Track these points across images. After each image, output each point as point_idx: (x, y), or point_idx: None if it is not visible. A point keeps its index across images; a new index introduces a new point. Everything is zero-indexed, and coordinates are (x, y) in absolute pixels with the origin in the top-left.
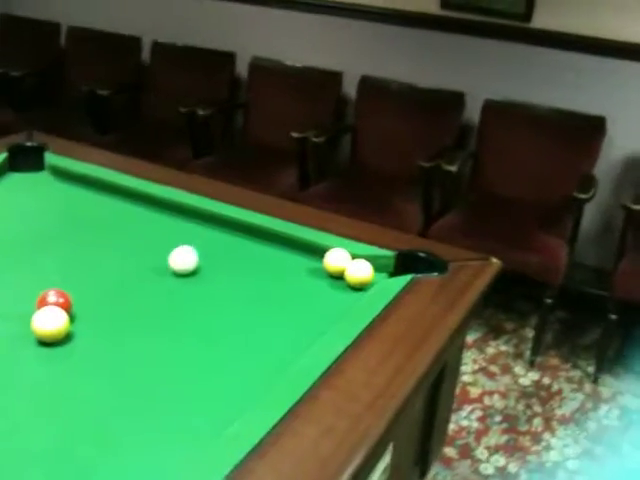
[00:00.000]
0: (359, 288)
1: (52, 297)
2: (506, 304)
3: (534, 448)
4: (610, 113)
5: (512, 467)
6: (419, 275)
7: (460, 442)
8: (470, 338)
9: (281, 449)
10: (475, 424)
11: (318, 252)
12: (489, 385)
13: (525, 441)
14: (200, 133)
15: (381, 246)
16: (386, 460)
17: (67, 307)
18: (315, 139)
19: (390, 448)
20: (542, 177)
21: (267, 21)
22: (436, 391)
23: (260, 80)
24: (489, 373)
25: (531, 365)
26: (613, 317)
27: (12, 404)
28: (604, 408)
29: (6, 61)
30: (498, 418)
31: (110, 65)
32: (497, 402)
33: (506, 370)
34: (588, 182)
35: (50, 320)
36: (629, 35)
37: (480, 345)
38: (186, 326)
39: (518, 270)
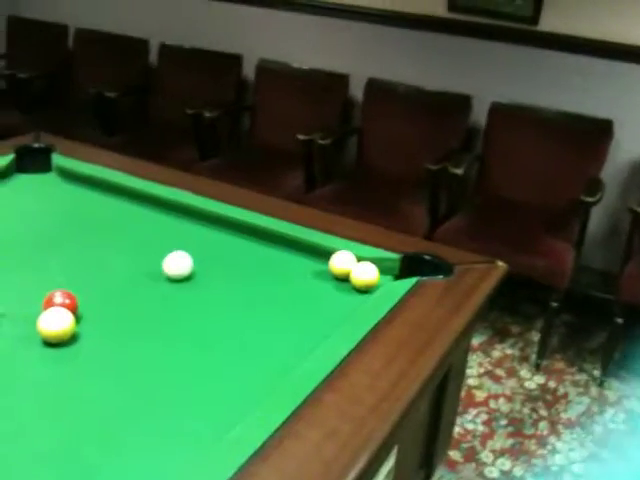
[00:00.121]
0: (364, 291)
1: (58, 298)
2: (512, 307)
3: (540, 452)
4: (617, 116)
5: (517, 471)
6: (424, 278)
7: (465, 445)
8: (476, 341)
9: (284, 452)
10: (480, 427)
11: (324, 254)
12: (495, 388)
13: (531, 445)
14: (206, 135)
15: (387, 249)
16: (390, 463)
17: (73, 308)
18: (321, 141)
19: (394, 451)
20: (549, 180)
21: (274, 23)
22: (441, 394)
23: (267, 82)
24: (495, 376)
25: (537, 368)
26: (619, 321)
27: (17, 404)
28: (610, 412)
29: (14, 63)
30: (503, 421)
31: (118, 67)
32: (503, 405)
33: (512, 373)
34: (595, 185)
35: (56, 321)
36: (637, 38)
37: (486, 348)
38: (191, 329)
39: (524, 273)
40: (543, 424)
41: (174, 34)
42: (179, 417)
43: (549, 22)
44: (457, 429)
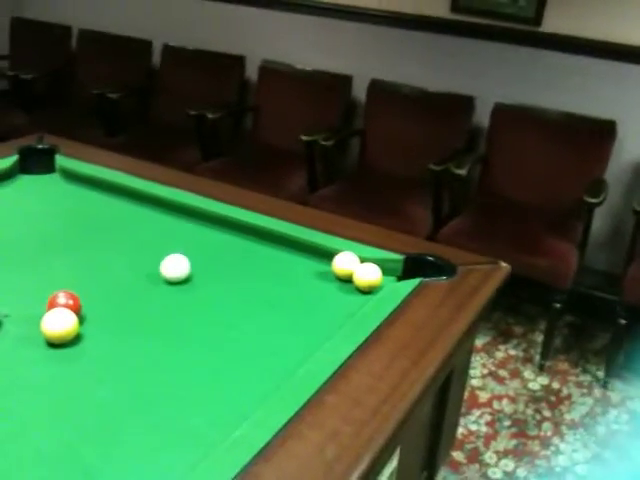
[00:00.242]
0: (367, 291)
1: (62, 299)
2: (515, 308)
3: (543, 453)
4: (621, 117)
5: (521, 472)
6: (427, 279)
7: (469, 446)
8: (479, 342)
9: (287, 453)
10: (484, 428)
11: (326, 255)
12: (498, 389)
13: (534, 446)
14: (209, 136)
15: (389, 250)
16: (393, 464)
17: (76, 309)
18: (324, 142)
19: (397, 452)
20: (552, 181)
21: (277, 24)
22: (444, 395)
23: (270, 83)
24: (498, 377)
25: (540, 369)
26: (623, 322)
27: (20, 405)
28: (613, 413)
29: (18, 64)
30: (507, 422)
31: (120, 68)
32: (506, 406)
33: (515, 374)
34: (598, 186)
35: (59, 322)
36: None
37: (489, 349)
38: (194, 330)
39: (527, 274)
40: (547, 425)
41: (177, 35)
42: (182, 418)
43: (552, 23)
44: (460, 430)
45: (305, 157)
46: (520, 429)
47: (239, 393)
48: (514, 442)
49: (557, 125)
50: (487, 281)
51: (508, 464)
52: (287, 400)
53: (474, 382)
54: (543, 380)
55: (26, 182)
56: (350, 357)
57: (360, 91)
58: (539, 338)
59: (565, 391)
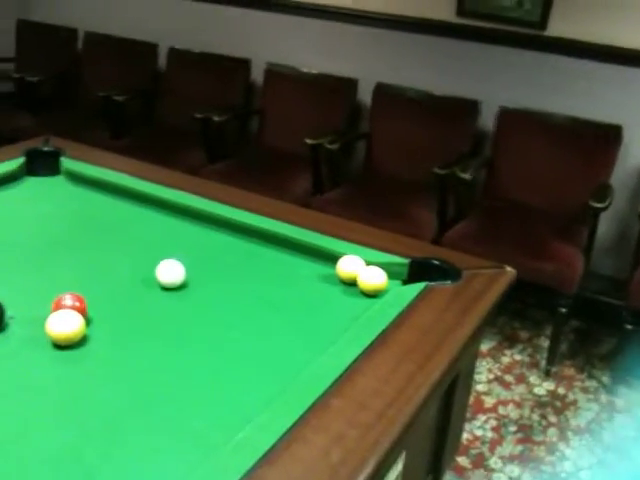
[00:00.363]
0: (372, 295)
1: (68, 300)
2: (521, 313)
3: (548, 458)
4: (626, 122)
5: (526, 477)
6: (433, 283)
7: (474, 451)
8: (484, 347)
9: (291, 456)
10: (489, 434)
11: (331, 258)
12: (504, 395)
13: (540, 451)
14: (215, 139)
15: (395, 253)
16: (398, 468)
17: (82, 310)
18: (329, 146)
19: (402, 456)
20: (557, 185)
21: (282, 28)
22: (450, 399)
23: (275, 86)
24: (504, 382)
25: (546, 375)
26: (629, 327)
27: (26, 406)
28: (619, 419)
29: (24, 66)
30: (512, 428)
31: (126, 71)
32: (512, 412)
33: (521, 380)
34: (604, 191)
35: (65, 323)
36: None
37: (495, 354)
38: (199, 332)
39: (533, 278)
40: (552, 430)
41: (183, 38)
42: (186, 420)
43: (557, 27)
44: (466, 435)
45: (310, 160)
46: (526, 434)
47: (243, 396)
48: (519, 447)
49: (562, 129)
50: (492, 285)
51: (513, 470)
52: (292, 403)
53: (480, 387)
54: (549, 385)
55: (32, 184)
56: (355, 360)
57: (365, 94)
58: (545, 343)
59: (571, 396)
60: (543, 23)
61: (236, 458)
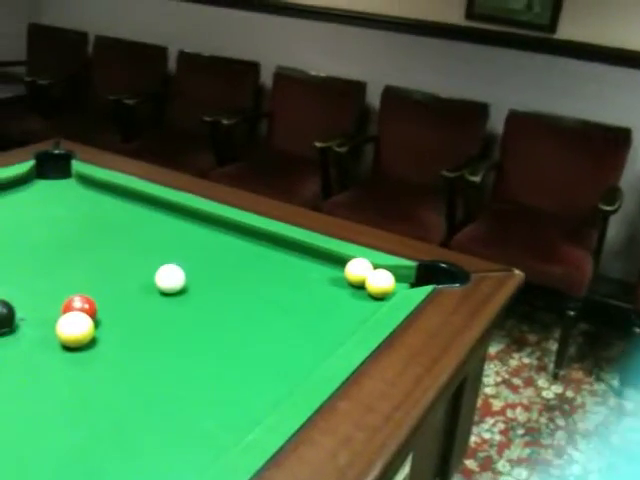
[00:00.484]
0: (380, 298)
1: (77, 303)
2: (529, 315)
3: (557, 462)
4: (636, 124)
5: None
6: (441, 286)
7: (482, 455)
8: (493, 350)
9: (299, 459)
10: (497, 437)
11: (340, 261)
12: (512, 398)
13: (548, 454)
14: (224, 142)
15: (402, 256)
16: (405, 471)
17: (92, 313)
18: (338, 149)
19: (409, 459)
20: (567, 188)
21: (291, 31)
22: (457, 402)
23: (284, 90)
24: (512, 386)
25: (554, 378)
26: (638, 330)
27: (35, 407)
28: (628, 422)
29: (35, 69)
30: (521, 431)
31: (136, 74)
32: (520, 415)
33: (529, 383)
34: (613, 194)
35: (75, 325)
36: None
37: (503, 357)
38: (208, 335)
39: (542, 281)
40: (560, 434)
41: (192, 42)
42: (195, 421)
43: (567, 30)
44: (474, 438)
45: (319, 163)
46: (534, 438)
47: (252, 398)
48: (527, 451)
49: (572, 132)
50: (501, 288)
51: (521, 473)
52: (300, 406)
53: (488, 390)
54: (557, 389)
55: (42, 187)
56: (363, 363)
57: (374, 97)
58: (553, 346)
59: (579, 400)
60: (553, 26)
61: (245, 460)
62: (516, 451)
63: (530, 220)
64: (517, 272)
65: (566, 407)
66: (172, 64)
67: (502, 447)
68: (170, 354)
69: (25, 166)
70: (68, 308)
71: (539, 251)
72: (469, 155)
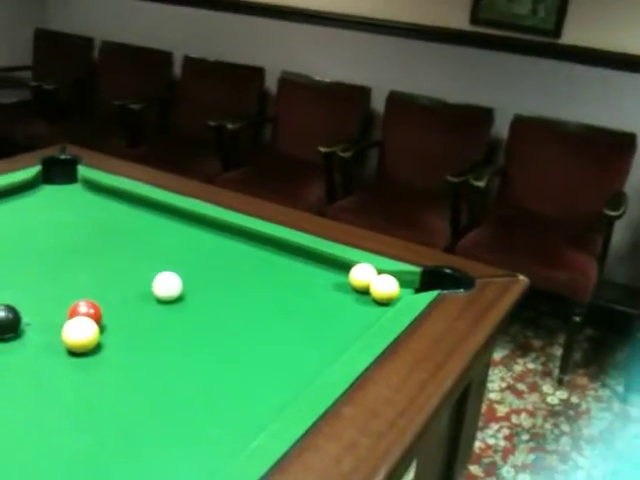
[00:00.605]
0: (384, 303)
1: (83, 308)
2: (534, 321)
3: (561, 467)
4: None
5: None
6: (445, 291)
7: (486, 460)
8: (497, 355)
9: (303, 465)
10: (502, 442)
11: (344, 267)
12: (516, 403)
13: (552, 460)
14: (229, 147)
15: (407, 262)
16: (410, 477)
17: (97, 318)
18: (342, 154)
19: (414, 465)
20: (571, 193)
21: (296, 36)
22: (462, 408)
23: (289, 95)
24: (516, 391)
25: (559, 383)
26: None
27: (41, 412)
28: (633, 428)
29: (41, 74)
30: (525, 437)
31: (142, 79)
32: (524, 420)
33: (534, 388)
34: (618, 199)
35: (80, 330)
36: None
37: (507, 363)
38: (213, 340)
39: (547, 287)
40: (565, 439)
41: (197, 47)
42: (202, 427)
43: (571, 35)
44: (478, 444)
45: (324, 168)
46: (538, 443)
47: (256, 403)
48: (532, 456)
49: (577, 137)
50: (505, 294)
51: (526, 478)
52: (304, 411)
53: (492, 396)
54: (562, 394)
55: (48, 192)
56: (367, 369)
57: (379, 102)
58: (558, 352)
59: (584, 405)
60: (557, 31)
61: (249, 466)
62: (521, 457)
63: (535, 225)
64: (522, 277)
65: (571, 413)
66: (177, 69)
67: (507, 453)
68: (175, 359)
69: (31, 171)
70: (74, 313)
71: (544, 256)
72: (474, 160)
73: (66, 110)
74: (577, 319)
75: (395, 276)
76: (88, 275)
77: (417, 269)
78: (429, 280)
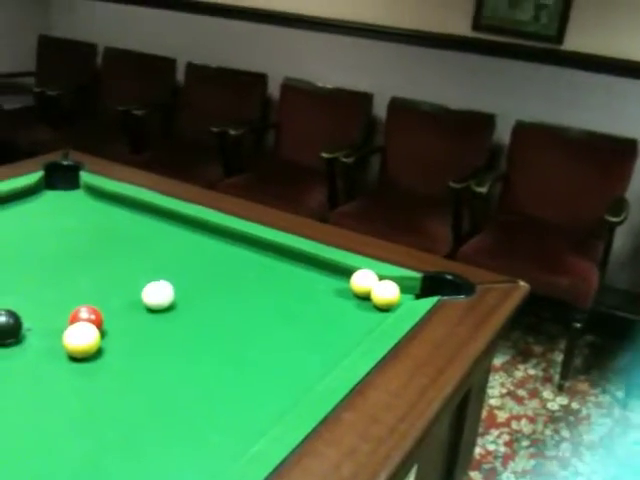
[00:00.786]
0: (385, 309)
1: (84, 313)
2: (535, 327)
3: (562, 473)
4: None
5: None
6: (446, 297)
7: (486, 466)
8: (498, 361)
9: (303, 470)
10: (502, 448)
11: (345, 272)
12: (517, 409)
13: (553, 466)
14: (232, 153)
15: (408, 267)
16: None
17: (98, 324)
18: (345, 159)
19: (414, 471)
20: (573, 199)
21: (299, 43)
22: (462, 414)
23: (291, 101)
24: (517, 397)
25: (560, 389)
26: None
27: (42, 417)
28: (633, 434)
29: (44, 80)
30: (525, 442)
31: (145, 85)
32: (525, 426)
33: (534, 394)
34: (619, 205)
35: (81, 336)
36: None
37: (508, 368)
38: (212, 345)
39: (548, 293)
40: (565, 445)
41: (201, 53)
42: (200, 432)
43: (573, 41)
44: (478, 449)
45: (326, 174)
46: (539, 449)
47: (257, 408)
48: (532, 462)
49: (578, 143)
50: (506, 300)
51: None
52: (304, 417)
53: (493, 401)
54: (562, 400)
55: (51, 198)
56: (368, 374)
57: (381, 108)
58: (559, 358)
59: (584, 411)
60: (560, 37)
61: (249, 471)
62: (521, 463)
63: (536, 231)
64: (522, 283)
65: (571, 419)
66: (180, 75)
67: (507, 459)
68: (176, 365)
69: (34, 177)
70: (75, 319)
71: (545, 262)
72: (475, 166)
73: (69, 116)
74: (578, 325)
75: (396, 282)
76: (89, 281)
77: (418, 275)
78: (430, 286)
